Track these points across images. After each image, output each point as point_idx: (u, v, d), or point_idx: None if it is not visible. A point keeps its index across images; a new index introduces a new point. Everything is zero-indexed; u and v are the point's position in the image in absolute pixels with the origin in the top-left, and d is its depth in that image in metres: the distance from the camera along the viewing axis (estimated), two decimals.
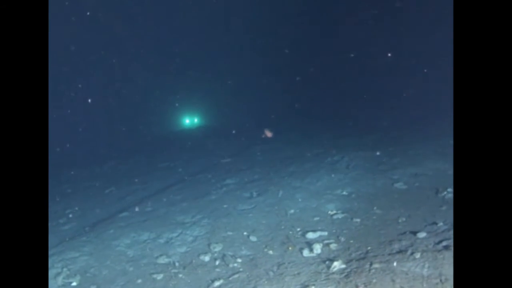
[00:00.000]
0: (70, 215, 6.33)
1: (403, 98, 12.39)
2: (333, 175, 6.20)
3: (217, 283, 3.61)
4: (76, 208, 6.65)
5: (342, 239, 4.24)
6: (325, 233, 4.41)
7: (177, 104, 21.61)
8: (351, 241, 4.18)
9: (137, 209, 5.83)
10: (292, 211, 5.09)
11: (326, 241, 4.20)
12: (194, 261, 4.12)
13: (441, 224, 4.14)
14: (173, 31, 22.69)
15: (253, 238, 4.46)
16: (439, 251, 3.47)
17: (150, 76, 22.16)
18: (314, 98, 17.50)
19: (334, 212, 5.00)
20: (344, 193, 5.56)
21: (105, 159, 12.05)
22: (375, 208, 4.98)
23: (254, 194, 5.80)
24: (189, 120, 23.07)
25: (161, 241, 4.64)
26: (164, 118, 22.91)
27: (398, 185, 5.66)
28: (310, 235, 4.37)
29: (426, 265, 3.28)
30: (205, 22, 21.71)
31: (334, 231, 4.49)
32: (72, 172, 10.87)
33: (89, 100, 17.70)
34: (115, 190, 7.54)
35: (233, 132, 13.78)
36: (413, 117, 10.62)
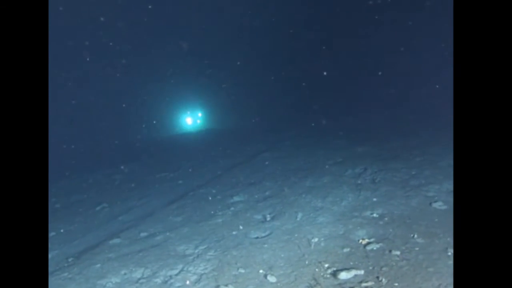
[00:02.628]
0: (54, 239, 5.47)
1: (419, 101, 11.55)
2: (358, 192, 5.35)
3: None
4: (62, 230, 5.80)
5: (384, 280, 3.39)
6: (361, 272, 3.56)
7: (188, 112, 20.80)
8: (396, 285, 3.33)
9: (129, 235, 4.96)
10: (315, 239, 4.23)
11: (364, 284, 3.36)
12: None
13: None
14: (175, 30, 21.84)
15: (271, 279, 3.60)
16: None
17: (149, 77, 21.32)
18: (321, 102, 16.66)
19: (367, 241, 4.15)
20: (375, 215, 4.71)
21: (99, 167, 11.21)
22: (415, 235, 4.14)
23: (268, 216, 4.94)
24: (191, 122, 22.34)
25: (158, 280, 3.78)
26: (164, 121, 22.11)
27: (437, 205, 4.81)
28: (343, 275, 3.51)
29: None
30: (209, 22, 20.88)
31: (371, 268, 3.64)
32: (63, 182, 10.04)
33: (83, 102, 16.83)
34: (107, 207, 6.68)
35: (238, 136, 12.94)
36: (433, 122, 9.77)
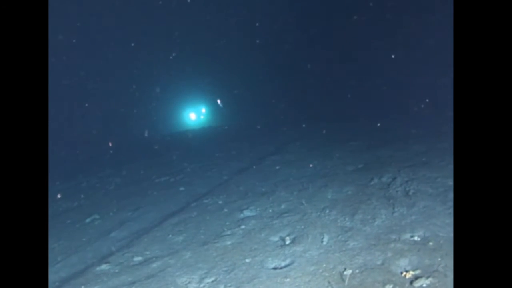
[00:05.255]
0: None
1: (444, 99, 10.69)
2: (392, 208, 4.53)
3: None
4: None
5: None
6: None
7: (205, 108, 20.04)
8: None
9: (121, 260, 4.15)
10: (349, 272, 3.42)
11: None
12: None
13: None
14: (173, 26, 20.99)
15: None
16: None
17: (149, 71, 20.51)
18: (330, 99, 15.84)
19: (412, 274, 3.34)
20: (416, 238, 3.90)
21: (95, 169, 10.44)
22: None
23: (287, 239, 4.13)
24: (195, 118, 21.63)
25: None
26: (165, 118, 21.34)
27: None
28: None
29: None
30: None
31: None
32: (56, 186, 9.26)
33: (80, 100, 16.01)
34: (98, 219, 5.89)
35: (243, 135, 12.14)
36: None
